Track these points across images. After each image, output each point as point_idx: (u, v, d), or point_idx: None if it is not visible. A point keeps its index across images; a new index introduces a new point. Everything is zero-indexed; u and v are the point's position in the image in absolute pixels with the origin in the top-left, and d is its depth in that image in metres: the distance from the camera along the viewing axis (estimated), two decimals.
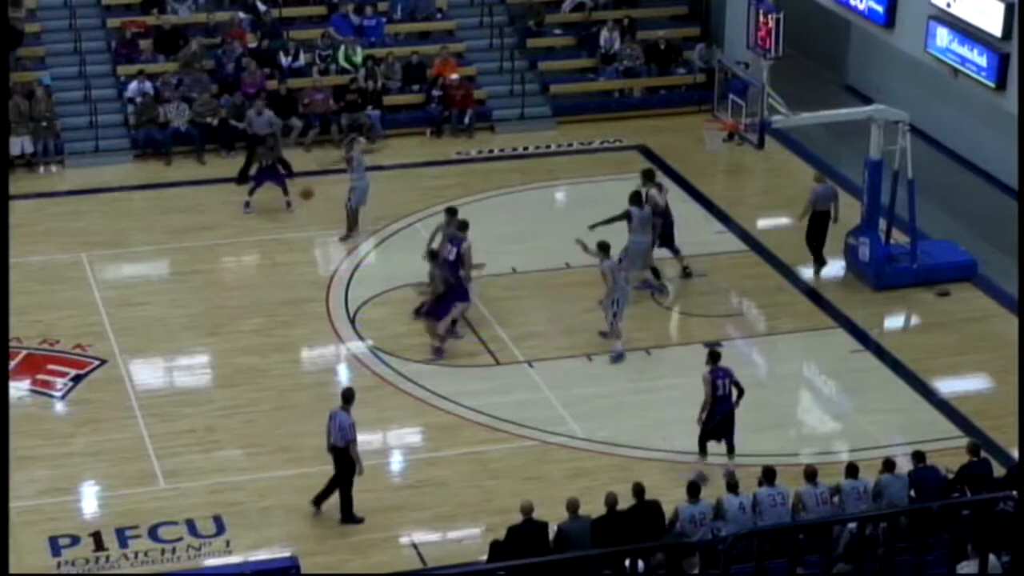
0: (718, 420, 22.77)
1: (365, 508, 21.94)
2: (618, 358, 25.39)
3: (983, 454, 21.10)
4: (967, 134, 32.16)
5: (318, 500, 21.72)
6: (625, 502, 19.93)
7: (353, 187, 28.93)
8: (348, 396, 21.60)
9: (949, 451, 22.54)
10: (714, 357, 22.96)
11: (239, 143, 32.76)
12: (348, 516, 21.62)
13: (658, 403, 24.67)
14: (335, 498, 22.00)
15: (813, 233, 28.31)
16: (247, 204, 30.15)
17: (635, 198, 27.08)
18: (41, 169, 31.95)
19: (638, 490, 19.97)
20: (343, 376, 25.37)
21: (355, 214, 29.08)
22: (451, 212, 26.86)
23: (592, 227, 26.37)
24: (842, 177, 31.58)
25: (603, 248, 25.40)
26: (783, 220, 30.26)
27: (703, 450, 22.92)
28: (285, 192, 30.18)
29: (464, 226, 26.32)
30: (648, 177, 27.95)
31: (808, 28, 33.52)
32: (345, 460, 21.45)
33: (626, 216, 26.89)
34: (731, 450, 22.88)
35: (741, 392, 22.78)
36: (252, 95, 33.06)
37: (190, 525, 21.57)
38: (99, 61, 34.19)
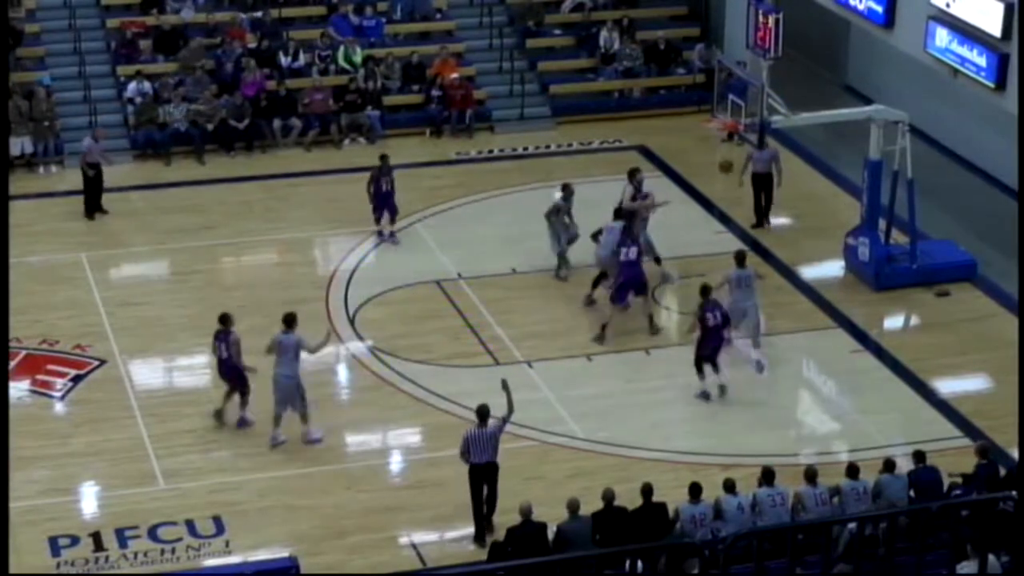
0: (712, 348, 24.37)
1: (365, 508, 21.97)
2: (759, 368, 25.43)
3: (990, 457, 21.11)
4: (967, 134, 32.16)
5: (488, 521, 21.30)
6: (627, 500, 19.95)
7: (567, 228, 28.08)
8: (484, 412, 21.19)
9: (949, 451, 22.59)
10: (704, 291, 24.49)
11: (238, 144, 32.84)
12: (490, 525, 21.35)
13: (658, 403, 24.66)
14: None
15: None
16: (380, 233, 29.08)
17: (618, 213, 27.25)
18: (41, 169, 31.94)
19: (646, 491, 19.96)
20: (343, 376, 25.39)
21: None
22: (618, 214, 26.83)
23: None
24: (842, 177, 31.64)
25: (739, 258, 25.68)
26: (783, 220, 30.31)
27: (700, 370, 24.46)
28: (393, 220, 29.12)
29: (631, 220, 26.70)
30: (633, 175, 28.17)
31: (808, 28, 33.52)
32: (495, 473, 21.19)
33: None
34: (716, 368, 24.56)
35: (727, 321, 24.50)
36: (251, 96, 33.11)
37: (190, 525, 21.56)
38: (99, 61, 34.21)
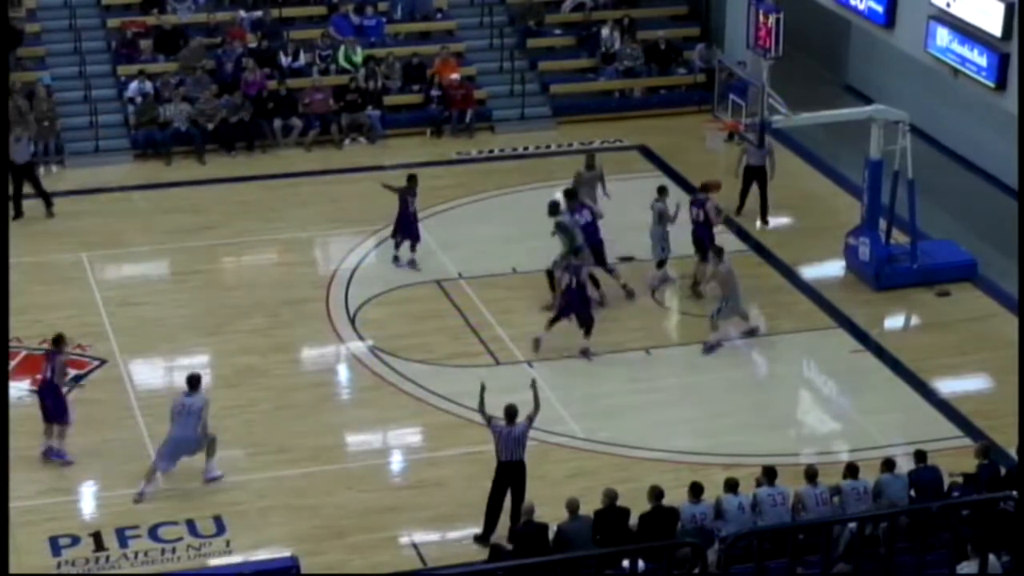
0: (565, 304, 25.40)
1: (365, 508, 21.97)
2: (710, 349, 25.79)
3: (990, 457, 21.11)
4: (967, 134, 32.16)
5: (517, 517, 21.11)
6: (628, 500, 19.95)
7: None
8: (513, 412, 21.05)
9: (949, 451, 22.58)
10: (576, 252, 25.95)
11: (239, 143, 32.84)
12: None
13: (658, 403, 24.67)
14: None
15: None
16: (397, 259, 28.10)
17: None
18: (41, 169, 31.91)
19: (657, 494, 19.83)
20: (343, 376, 25.39)
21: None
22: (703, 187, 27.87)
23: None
24: (842, 177, 31.64)
25: (718, 252, 26.37)
26: (783, 220, 30.30)
27: (550, 326, 25.52)
28: (413, 248, 28.00)
29: (706, 187, 27.79)
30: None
31: (808, 28, 33.51)
32: (523, 473, 21.13)
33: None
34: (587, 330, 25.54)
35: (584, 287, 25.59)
36: (254, 95, 33.12)
37: (190, 525, 21.56)
38: (99, 61, 34.20)
